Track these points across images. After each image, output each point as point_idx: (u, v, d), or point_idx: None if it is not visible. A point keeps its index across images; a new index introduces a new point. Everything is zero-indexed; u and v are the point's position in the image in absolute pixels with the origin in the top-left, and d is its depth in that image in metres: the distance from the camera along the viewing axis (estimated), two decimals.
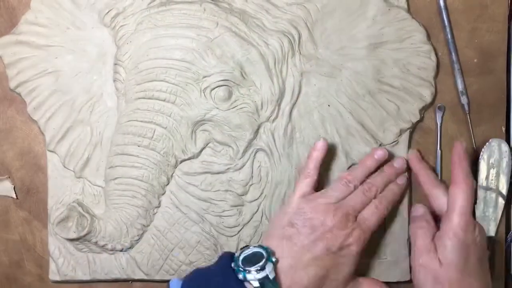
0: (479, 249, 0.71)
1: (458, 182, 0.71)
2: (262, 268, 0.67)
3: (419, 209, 0.76)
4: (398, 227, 0.79)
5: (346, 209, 0.71)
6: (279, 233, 0.71)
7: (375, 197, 0.73)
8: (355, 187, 0.73)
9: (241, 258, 0.68)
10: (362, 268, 0.77)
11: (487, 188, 0.78)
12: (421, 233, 0.73)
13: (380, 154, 0.76)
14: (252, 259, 0.68)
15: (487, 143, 0.78)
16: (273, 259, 0.68)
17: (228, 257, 0.70)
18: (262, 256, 0.68)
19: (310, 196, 0.73)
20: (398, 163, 0.77)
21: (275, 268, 0.68)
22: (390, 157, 0.77)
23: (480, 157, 0.78)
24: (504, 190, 0.78)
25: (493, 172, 0.78)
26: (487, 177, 0.78)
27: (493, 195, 0.78)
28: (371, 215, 0.72)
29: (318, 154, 0.74)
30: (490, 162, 0.78)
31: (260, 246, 0.69)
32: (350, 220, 0.71)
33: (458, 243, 0.69)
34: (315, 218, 0.71)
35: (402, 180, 0.77)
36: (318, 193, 0.73)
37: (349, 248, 0.70)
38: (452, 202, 0.71)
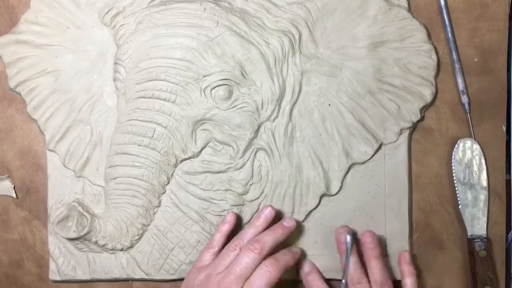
0: None
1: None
2: None
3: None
4: (398, 226, 0.79)
5: (228, 278, 0.71)
6: None
7: (261, 256, 0.72)
8: (241, 250, 0.73)
9: None
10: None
11: (470, 187, 0.78)
12: None
13: (266, 212, 0.76)
14: None
15: (455, 145, 0.79)
16: None
17: None
18: None
19: (202, 268, 0.73)
20: (288, 223, 0.76)
21: None
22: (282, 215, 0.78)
23: (452, 160, 0.78)
24: (485, 184, 0.78)
25: (470, 171, 0.78)
26: (464, 176, 0.78)
27: (475, 193, 0.78)
28: (259, 279, 0.71)
29: (227, 226, 0.76)
30: (464, 162, 0.78)
31: None
32: (234, 286, 0.70)
33: None
34: None
35: (295, 249, 0.77)
36: (210, 264, 0.73)
37: None
38: None
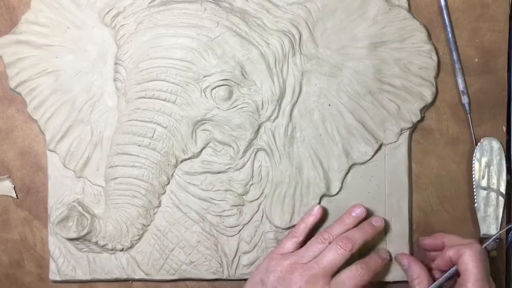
0: None
1: (465, 247, 0.71)
2: None
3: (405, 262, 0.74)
4: (398, 227, 0.79)
5: (315, 269, 0.71)
6: None
7: (350, 253, 0.72)
8: (330, 244, 0.73)
9: None
10: None
11: (487, 188, 0.78)
12: None
13: (358, 211, 0.76)
14: None
15: (479, 143, 0.78)
16: None
17: None
18: None
19: (286, 255, 0.73)
20: (376, 222, 0.76)
21: None
22: (369, 215, 0.77)
23: (474, 157, 0.78)
24: (502, 188, 0.78)
25: (489, 171, 0.78)
26: (483, 177, 0.78)
27: (493, 194, 0.78)
28: (348, 280, 0.71)
29: (312, 219, 0.76)
30: (484, 161, 0.78)
31: None
32: (319, 282, 0.70)
33: None
34: (283, 278, 0.71)
35: (384, 255, 0.76)
36: (294, 252, 0.73)
37: None
38: (464, 270, 0.70)
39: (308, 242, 0.74)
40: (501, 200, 0.78)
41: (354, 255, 0.73)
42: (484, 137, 0.79)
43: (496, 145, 0.78)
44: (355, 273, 0.71)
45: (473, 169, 0.79)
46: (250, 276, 0.75)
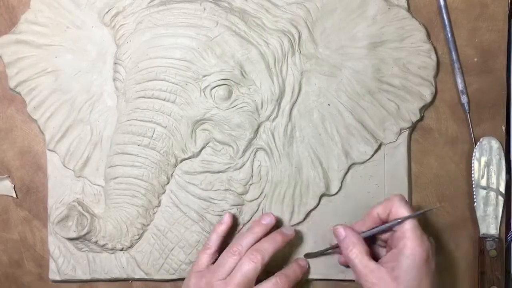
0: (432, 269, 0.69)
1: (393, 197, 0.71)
2: None
3: (341, 232, 0.72)
4: None
5: (230, 284, 0.71)
6: None
7: (262, 263, 0.71)
8: (240, 255, 0.72)
9: None
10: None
11: (487, 187, 0.78)
12: (356, 256, 0.70)
13: (267, 220, 0.75)
14: None
15: (478, 143, 0.78)
16: None
17: None
18: None
19: (202, 272, 0.73)
20: (288, 231, 0.76)
21: None
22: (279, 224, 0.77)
23: (473, 157, 0.78)
24: (502, 188, 0.78)
25: (489, 170, 0.78)
26: (483, 176, 0.78)
27: (492, 193, 0.78)
28: None
29: (222, 227, 0.75)
30: (484, 161, 0.78)
31: None
32: None
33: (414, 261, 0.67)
34: None
35: (303, 263, 0.77)
36: (209, 268, 0.73)
37: None
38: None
39: (220, 257, 0.74)
40: (501, 199, 0.78)
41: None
42: (484, 137, 0.79)
43: (495, 144, 0.78)
44: (275, 285, 0.72)
45: (472, 168, 0.79)
46: None
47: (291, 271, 0.75)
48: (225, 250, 0.74)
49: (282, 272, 0.74)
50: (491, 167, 0.78)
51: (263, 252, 0.72)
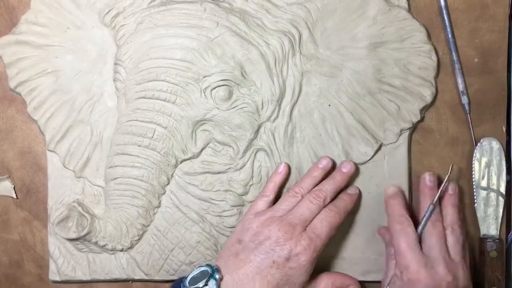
0: None
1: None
2: (205, 285, 0.68)
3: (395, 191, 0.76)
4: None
5: (291, 219, 0.71)
6: (227, 251, 0.73)
7: (324, 204, 0.73)
8: (303, 197, 0.74)
9: (188, 278, 0.70)
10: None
11: (487, 188, 0.78)
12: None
13: (324, 163, 0.76)
14: (199, 278, 0.69)
15: (478, 143, 0.78)
16: (217, 276, 0.69)
17: (179, 281, 0.71)
18: (207, 274, 0.69)
19: (260, 212, 0.74)
20: (346, 168, 0.76)
21: (218, 285, 0.69)
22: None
23: (474, 158, 0.78)
24: (502, 189, 0.78)
25: (489, 171, 0.78)
26: (483, 177, 0.78)
27: (493, 194, 0.78)
28: (320, 223, 0.72)
29: (279, 177, 0.76)
30: (484, 162, 0.78)
31: (208, 265, 0.71)
32: (297, 230, 0.71)
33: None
34: (260, 232, 0.71)
35: (352, 191, 0.77)
36: (267, 209, 0.74)
37: (298, 258, 0.70)
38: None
39: (281, 198, 0.75)
40: (501, 200, 0.78)
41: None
42: (484, 138, 0.79)
43: (496, 145, 0.78)
44: (325, 215, 0.72)
45: (473, 169, 0.79)
46: (228, 239, 0.75)
47: (341, 200, 0.75)
48: (286, 193, 0.75)
49: (332, 203, 0.74)
50: (491, 168, 0.78)
51: (325, 192, 0.73)
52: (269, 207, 0.75)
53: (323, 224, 0.72)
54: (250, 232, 0.72)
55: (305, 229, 0.71)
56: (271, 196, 0.75)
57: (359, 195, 0.78)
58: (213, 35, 0.74)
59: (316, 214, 0.72)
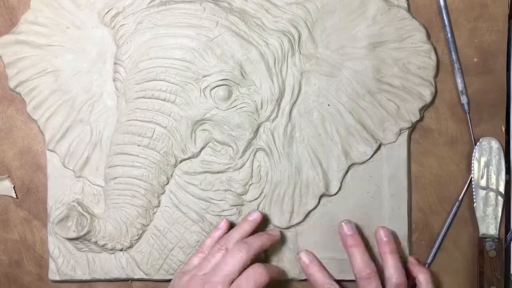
0: None
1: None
2: None
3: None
4: (397, 227, 0.79)
5: (213, 279, 0.70)
6: None
7: (248, 256, 0.71)
8: (227, 250, 0.72)
9: None
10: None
11: (486, 188, 0.78)
12: None
13: (254, 216, 0.76)
14: None
15: (478, 143, 0.78)
16: None
17: None
18: None
19: (185, 272, 0.73)
20: (273, 231, 0.76)
21: None
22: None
23: (473, 157, 0.78)
24: (501, 188, 0.78)
25: (488, 171, 0.78)
26: (482, 176, 0.78)
27: (492, 194, 0.78)
28: (246, 281, 0.70)
29: (219, 233, 0.75)
30: (484, 161, 0.78)
31: None
32: (219, 286, 0.69)
33: None
34: None
35: (274, 231, 0.76)
36: (193, 267, 0.73)
37: None
38: None
39: (210, 251, 0.74)
40: (500, 199, 0.78)
41: None
42: (483, 137, 0.79)
43: (495, 145, 0.78)
44: (253, 273, 0.70)
45: (472, 169, 0.79)
46: None
47: (256, 238, 0.74)
48: (211, 247, 0.74)
49: (261, 264, 0.72)
50: (490, 167, 0.78)
51: (249, 244, 0.72)
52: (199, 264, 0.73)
53: (249, 283, 0.70)
54: None
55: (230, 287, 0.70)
56: (206, 252, 0.74)
57: (280, 236, 0.77)
58: (213, 35, 0.74)
59: (242, 268, 0.71)
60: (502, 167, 0.78)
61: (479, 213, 0.79)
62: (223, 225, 0.76)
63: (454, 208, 0.79)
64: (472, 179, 0.79)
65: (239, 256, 0.71)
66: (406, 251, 0.79)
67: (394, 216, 0.79)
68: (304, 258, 0.77)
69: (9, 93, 0.81)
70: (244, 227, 0.75)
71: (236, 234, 0.74)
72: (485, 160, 0.78)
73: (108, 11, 0.78)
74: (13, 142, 0.82)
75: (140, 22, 0.75)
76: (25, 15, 0.79)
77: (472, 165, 0.79)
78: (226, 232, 0.76)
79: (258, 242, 0.73)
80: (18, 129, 0.82)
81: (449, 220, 0.79)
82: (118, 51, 0.76)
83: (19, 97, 0.80)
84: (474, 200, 0.78)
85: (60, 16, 0.79)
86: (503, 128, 0.80)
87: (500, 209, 0.78)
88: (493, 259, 0.78)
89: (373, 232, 0.78)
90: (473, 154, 0.78)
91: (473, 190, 0.79)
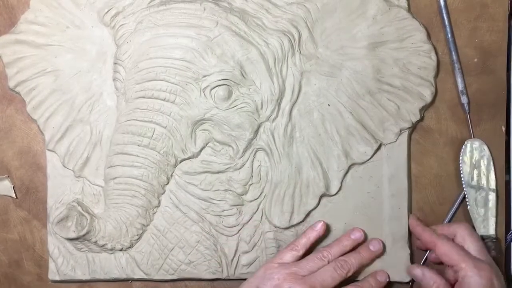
0: None
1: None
2: None
3: (418, 272, 0.75)
4: (398, 227, 0.79)
5: (314, 283, 0.72)
6: None
7: (346, 276, 0.73)
8: (329, 262, 0.74)
9: None
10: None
11: (478, 188, 0.78)
12: None
13: (357, 235, 0.77)
14: None
15: (462, 147, 0.79)
16: None
17: None
18: None
19: (285, 265, 0.74)
20: (374, 246, 0.77)
21: None
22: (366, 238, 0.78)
23: (460, 161, 0.78)
24: (493, 185, 0.78)
25: (478, 171, 0.78)
26: (472, 178, 0.78)
27: (484, 193, 0.78)
28: None
29: (314, 234, 0.76)
30: (472, 162, 0.78)
31: None
32: None
33: None
34: (281, 286, 0.72)
35: (382, 278, 0.77)
36: (292, 263, 0.74)
37: None
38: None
39: (308, 256, 0.75)
40: (493, 199, 0.78)
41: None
42: (467, 140, 0.79)
43: (482, 146, 0.78)
44: (336, 271, 0.73)
45: (461, 171, 0.79)
46: (246, 282, 0.75)
47: (367, 284, 0.76)
48: (313, 253, 0.75)
49: (359, 284, 0.75)
50: (481, 167, 0.78)
51: (350, 265, 0.74)
52: (294, 261, 0.75)
53: None
54: (271, 283, 0.73)
55: None
56: (300, 251, 0.76)
57: (388, 283, 0.78)
58: (213, 35, 0.74)
59: (336, 283, 0.73)
60: (491, 167, 0.78)
61: (474, 215, 0.79)
62: (320, 227, 0.77)
63: (454, 208, 0.79)
64: (463, 182, 0.79)
65: (338, 274, 0.73)
66: (406, 251, 0.79)
67: (394, 216, 0.79)
68: (415, 271, 0.76)
69: (8, 92, 0.81)
70: (345, 244, 0.76)
71: (337, 249, 0.76)
72: (474, 162, 0.78)
73: (108, 11, 0.78)
74: (13, 142, 0.82)
75: (140, 21, 0.75)
76: (25, 14, 0.79)
77: (460, 167, 0.78)
78: (322, 235, 0.77)
79: (358, 262, 0.75)
80: (18, 129, 0.82)
81: (448, 220, 0.79)
82: (118, 50, 0.76)
83: (19, 96, 0.80)
84: (468, 203, 0.78)
85: (60, 16, 0.79)
86: (503, 128, 0.80)
87: (494, 209, 0.78)
88: (494, 259, 0.77)
89: (373, 232, 0.78)
90: (460, 158, 0.78)
91: (465, 192, 0.78)
